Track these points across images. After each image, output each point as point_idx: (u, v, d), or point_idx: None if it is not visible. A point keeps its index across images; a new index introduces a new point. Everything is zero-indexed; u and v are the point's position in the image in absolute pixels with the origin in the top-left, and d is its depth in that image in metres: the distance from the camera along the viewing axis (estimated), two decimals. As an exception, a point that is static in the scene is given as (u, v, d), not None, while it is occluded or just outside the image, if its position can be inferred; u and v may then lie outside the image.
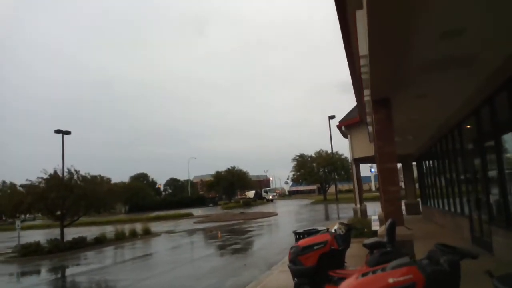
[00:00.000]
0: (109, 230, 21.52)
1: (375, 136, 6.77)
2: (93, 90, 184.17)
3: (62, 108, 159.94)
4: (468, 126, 9.00)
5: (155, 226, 27.86)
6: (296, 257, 5.79)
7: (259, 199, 66.01)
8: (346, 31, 5.56)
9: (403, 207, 20.92)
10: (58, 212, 17.97)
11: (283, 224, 23.57)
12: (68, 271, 12.93)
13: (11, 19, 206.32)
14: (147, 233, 22.29)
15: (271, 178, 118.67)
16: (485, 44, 5.10)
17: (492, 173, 7.46)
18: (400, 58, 5.10)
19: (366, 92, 6.63)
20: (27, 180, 17.39)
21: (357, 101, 9.90)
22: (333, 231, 5.93)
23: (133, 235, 21.55)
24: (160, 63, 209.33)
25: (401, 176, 27.45)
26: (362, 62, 5.30)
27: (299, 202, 56.74)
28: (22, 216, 23.42)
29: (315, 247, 5.69)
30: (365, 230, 12.42)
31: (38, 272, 13.40)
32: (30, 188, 17.17)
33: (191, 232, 22.82)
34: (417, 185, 21.73)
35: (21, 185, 17.62)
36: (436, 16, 4.19)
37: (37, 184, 17.38)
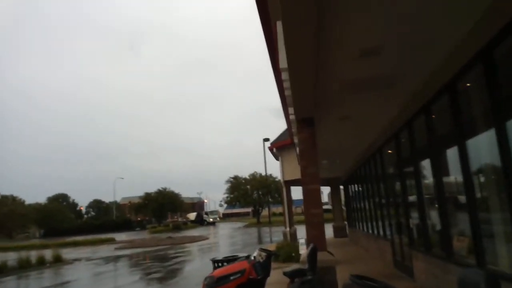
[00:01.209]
0: (15, 257, 18.65)
1: (299, 156, 6.45)
2: (13, 100, 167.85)
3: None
4: (389, 151, 9.20)
5: (69, 253, 25.10)
6: (209, 289, 5.10)
7: (200, 221, 63.04)
8: (270, 43, 5.23)
9: (331, 230, 21.34)
10: None
11: (213, 249, 22.54)
12: None
13: None
14: (58, 261, 19.80)
15: (205, 201, 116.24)
16: (404, 66, 5.07)
17: (412, 198, 7.54)
18: (319, 75, 4.88)
19: (291, 110, 6.34)
20: None
21: (286, 122, 9.67)
22: (251, 258, 5.37)
23: (41, 263, 18.96)
24: (90, 75, 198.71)
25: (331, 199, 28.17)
26: (284, 76, 4.98)
27: (232, 225, 55.83)
28: None
29: (231, 277, 5.06)
30: (293, 254, 12.10)
31: None
32: None
33: (108, 260, 20.75)
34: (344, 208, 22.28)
35: None
36: (351, 32, 4.02)
37: None
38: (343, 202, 22.26)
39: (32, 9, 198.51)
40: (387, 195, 9.73)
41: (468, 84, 4.64)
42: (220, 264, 5.88)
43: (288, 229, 17.19)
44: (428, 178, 6.57)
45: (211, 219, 65.65)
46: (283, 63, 4.59)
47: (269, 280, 8.60)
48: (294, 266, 5.59)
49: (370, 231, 12.49)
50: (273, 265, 11.59)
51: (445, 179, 5.78)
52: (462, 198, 5.03)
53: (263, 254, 5.34)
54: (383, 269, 9.36)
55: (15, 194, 74.33)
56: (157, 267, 16.27)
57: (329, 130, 8.34)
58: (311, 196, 6.33)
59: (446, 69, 4.83)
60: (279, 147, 17.24)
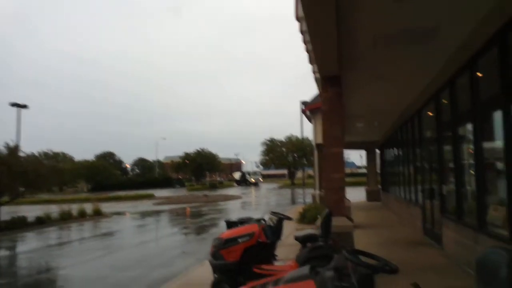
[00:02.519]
0: (58, 210, 19.97)
1: (322, 117, 5.95)
2: (63, 63, 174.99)
3: (25, 80, 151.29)
4: (429, 113, 8.39)
5: (111, 207, 26.56)
6: (217, 250, 4.94)
7: (244, 181, 62.27)
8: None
9: (365, 194, 20.84)
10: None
11: (244, 208, 22.90)
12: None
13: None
14: (97, 214, 20.96)
15: (243, 162, 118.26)
16: (444, 14, 4.29)
17: (448, 164, 6.87)
18: (343, 26, 4.23)
19: (315, 68, 5.76)
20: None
21: (315, 81, 9.05)
22: (262, 221, 5.10)
23: (81, 215, 20.16)
24: (138, 36, 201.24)
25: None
26: (303, 26, 4.41)
27: (267, 185, 56.48)
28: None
29: (239, 240, 4.85)
30: (318, 216, 11.87)
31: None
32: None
33: (144, 215, 21.73)
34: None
35: None
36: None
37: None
38: (378, 166, 21.47)
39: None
40: (422, 160, 9.04)
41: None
42: (233, 225, 5.67)
43: (317, 191, 16.88)
44: (468, 144, 5.87)
45: (252, 180, 63.23)
46: (300, 10, 4.01)
47: (284, 242, 8.46)
48: (307, 231, 5.29)
49: (403, 196, 11.89)
50: (298, 226, 11.52)
51: (486, 145, 5.10)
52: (502, 166, 4.38)
53: (274, 218, 5.05)
54: (412, 236, 8.90)
55: (65, 151, 79.57)
56: (188, 224, 16.79)
57: (360, 91, 7.67)
58: (333, 160, 5.89)
59: (495, 16, 4.02)
60: (312, 109, 16.60)
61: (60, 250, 11.40)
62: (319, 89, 6.71)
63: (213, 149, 75.40)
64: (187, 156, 66.06)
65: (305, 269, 2.14)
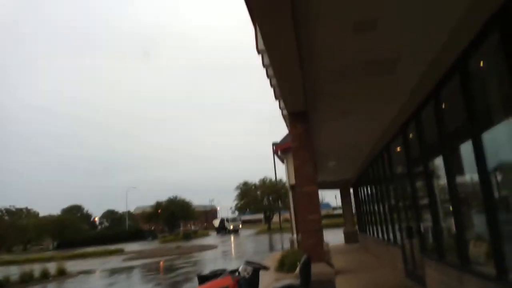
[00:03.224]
0: (24, 270, 18.19)
1: (293, 155, 5.77)
2: (26, 111, 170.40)
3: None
4: (397, 148, 8.43)
5: (76, 265, 24.64)
6: (187, 311, 4.41)
7: (223, 228, 58.98)
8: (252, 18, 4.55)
9: (342, 236, 20.46)
10: None
11: (219, 258, 21.85)
12: None
13: None
14: (62, 274, 19.31)
15: (218, 208, 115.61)
16: (404, 44, 4.37)
17: (422, 200, 6.77)
18: (306, 58, 4.19)
19: (282, 104, 5.67)
20: None
21: (283, 118, 9.01)
22: (237, 273, 4.67)
23: (44, 276, 18.48)
24: (103, 82, 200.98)
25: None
26: (266, 60, 4.34)
27: (244, 232, 54.91)
28: None
29: (212, 297, 4.38)
30: (298, 263, 11.36)
31: None
32: None
33: (113, 272, 20.21)
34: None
35: None
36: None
37: None
38: (353, 206, 21.36)
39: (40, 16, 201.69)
40: (396, 197, 8.94)
41: (481, 62, 3.91)
42: (206, 280, 5.16)
43: (295, 236, 16.38)
44: (441, 178, 5.80)
45: (231, 227, 59.12)
46: (261, 43, 3.94)
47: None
48: (284, 281, 4.89)
49: (380, 237, 11.65)
50: (277, 275, 10.91)
51: (459, 178, 5.01)
52: (479, 198, 4.26)
53: (249, 268, 4.62)
54: (394, 279, 8.54)
55: (30, 207, 75.23)
56: (160, 279, 15.67)
57: (328, 127, 7.63)
58: (308, 200, 5.64)
59: (456, 44, 4.09)
60: (283, 150, 16.50)
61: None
62: (287, 126, 6.61)
63: (187, 196, 73.38)
64: (158, 205, 63.82)
65: None
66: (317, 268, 4.92)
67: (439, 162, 5.69)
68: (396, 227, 9.11)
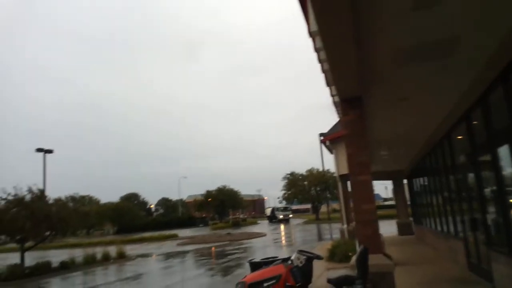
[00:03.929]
0: (87, 253, 19.77)
1: (346, 143, 5.59)
2: (83, 110, 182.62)
3: (50, 128, 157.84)
4: (459, 136, 7.87)
5: (135, 249, 26.23)
6: (241, 297, 4.49)
7: (273, 217, 58.89)
8: (304, 7, 4.42)
9: (396, 227, 19.73)
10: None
11: (269, 247, 22.06)
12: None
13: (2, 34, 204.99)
14: (121, 257, 20.65)
15: (265, 198, 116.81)
16: (467, 22, 4.00)
17: (490, 190, 6.28)
18: (362, 40, 3.99)
19: (333, 90, 5.49)
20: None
21: (334, 106, 8.76)
22: (289, 262, 4.65)
23: (106, 259, 19.90)
24: (149, 84, 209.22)
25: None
26: (318, 43, 4.19)
27: (292, 221, 54.97)
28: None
29: (265, 284, 4.40)
30: (350, 253, 11.14)
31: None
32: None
33: (168, 256, 21.23)
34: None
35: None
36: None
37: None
38: (407, 197, 20.47)
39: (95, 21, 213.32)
40: (458, 188, 8.39)
41: None
42: (257, 267, 5.21)
43: (345, 226, 16.08)
44: (510, 166, 5.34)
45: (281, 216, 58.06)
46: (313, 24, 3.81)
47: (317, 283, 7.81)
48: (340, 272, 4.78)
49: (439, 229, 11.05)
50: (328, 265, 10.80)
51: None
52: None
53: (302, 257, 4.59)
54: (456, 272, 8.09)
55: (92, 195, 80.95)
56: (212, 264, 16.18)
57: (382, 114, 7.29)
58: (362, 189, 5.45)
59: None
60: (332, 140, 16.18)
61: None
62: (338, 113, 6.40)
63: (235, 186, 74.81)
64: (208, 194, 65.75)
65: None
66: (374, 260, 4.76)
67: (507, 149, 5.23)
68: (458, 219, 8.58)
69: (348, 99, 5.44)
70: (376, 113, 7.01)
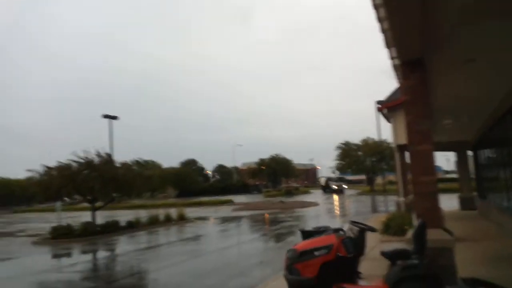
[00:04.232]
0: (151, 214, 21.39)
1: (405, 110, 5.27)
2: (139, 76, 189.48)
3: (110, 95, 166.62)
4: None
5: (194, 212, 27.73)
6: (292, 264, 4.57)
7: (328, 187, 56.78)
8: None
9: (457, 202, 18.68)
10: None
11: (321, 216, 22.15)
12: (84, 257, 12.73)
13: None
14: (182, 219, 22.01)
15: (318, 167, 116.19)
16: None
17: None
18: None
19: (393, 52, 5.11)
20: (58, 162, 17.57)
21: (393, 70, 8.22)
22: (341, 232, 4.62)
23: (167, 220, 21.35)
24: (205, 52, 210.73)
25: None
26: None
27: (345, 192, 54.38)
28: (67, 199, 24.21)
29: (316, 253, 4.42)
30: (406, 227, 10.81)
31: (57, 256, 13.38)
32: (59, 170, 17.25)
33: (224, 220, 22.23)
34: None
35: (49, 167, 17.66)
36: None
37: (66, 166, 17.41)
38: (471, 170, 19.15)
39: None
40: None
41: None
42: (309, 235, 5.25)
43: (402, 198, 15.53)
44: None
45: (334, 186, 55.15)
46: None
47: (370, 254, 7.71)
48: (395, 246, 4.65)
49: (505, 204, 10.26)
50: (382, 237, 10.60)
51: None
52: None
53: (355, 228, 4.52)
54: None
55: (154, 160, 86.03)
56: (265, 230, 16.69)
57: (446, 78, 6.72)
58: (422, 160, 5.16)
59: None
60: (390, 107, 15.34)
61: (146, 254, 12.02)
62: (398, 78, 6.01)
63: (288, 155, 75.13)
64: (262, 162, 66.86)
65: None
66: (433, 235, 4.56)
67: None
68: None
69: (409, 61, 5.06)
70: (438, 78, 6.48)
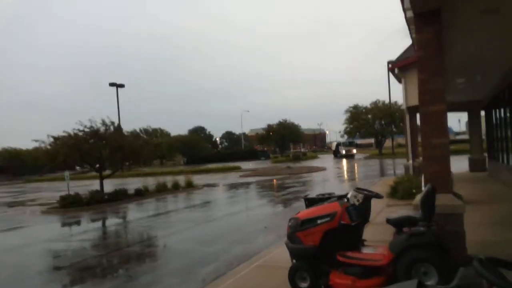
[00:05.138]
0: (159, 181, 21.51)
1: (418, 67, 4.84)
2: (150, 42, 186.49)
3: (118, 62, 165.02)
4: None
5: (201, 179, 27.90)
6: (294, 232, 4.39)
7: (338, 152, 56.53)
8: None
9: (467, 163, 18.32)
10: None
11: (328, 181, 22.06)
12: (92, 225, 12.87)
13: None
14: (190, 186, 22.11)
15: (327, 132, 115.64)
16: None
17: None
18: None
19: (406, 3, 4.62)
20: (64, 131, 17.48)
21: (406, 23, 7.63)
22: (345, 200, 4.37)
23: (176, 187, 21.46)
24: (213, 14, 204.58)
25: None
26: None
27: (355, 156, 54.18)
28: (78, 168, 24.43)
29: (318, 221, 4.21)
30: (414, 190, 10.58)
31: (66, 224, 13.55)
32: (65, 139, 17.18)
33: (232, 187, 22.30)
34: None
35: (55, 137, 17.61)
36: None
37: (72, 135, 17.32)
38: (483, 131, 18.62)
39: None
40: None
41: None
42: (313, 203, 5.02)
43: (410, 161, 15.24)
44: None
45: (343, 151, 54.35)
46: None
47: (376, 219, 7.53)
48: (401, 212, 4.41)
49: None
50: (389, 201, 10.42)
51: None
52: None
53: (360, 195, 4.26)
54: None
55: (162, 127, 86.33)
56: (272, 196, 16.67)
57: (462, 32, 6.18)
58: (434, 121, 4.79)
59: None
60: (402, 67, 14.67)
61: (154, 221, 12.07)
62: (411, 33, 5.52)
63: (296, 120, 74.56)
64: (270, 128, 66.42)
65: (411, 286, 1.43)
66: (442, 200, 4.29)
67: None
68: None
69: (423, 13, 4.56)
70: (453, 31, 5.95)
